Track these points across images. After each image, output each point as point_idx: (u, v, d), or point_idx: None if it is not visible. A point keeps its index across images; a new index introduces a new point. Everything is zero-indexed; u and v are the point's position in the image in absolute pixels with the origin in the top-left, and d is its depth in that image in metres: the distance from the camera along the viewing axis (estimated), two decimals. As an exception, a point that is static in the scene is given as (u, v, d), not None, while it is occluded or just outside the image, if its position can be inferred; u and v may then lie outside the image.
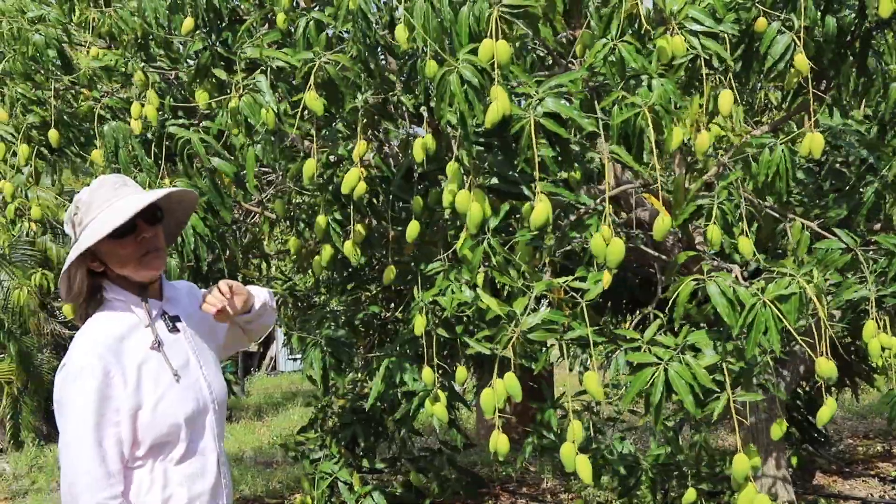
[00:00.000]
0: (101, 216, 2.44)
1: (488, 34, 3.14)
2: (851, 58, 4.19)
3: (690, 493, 4.61)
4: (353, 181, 3.82)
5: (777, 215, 4.07)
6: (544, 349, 3.59)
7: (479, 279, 3.57)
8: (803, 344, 3.26)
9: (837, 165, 5.29)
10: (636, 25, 3.33)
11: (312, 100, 3.62)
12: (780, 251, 4.89)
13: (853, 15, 3.99)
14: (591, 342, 3.36)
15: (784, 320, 3.17)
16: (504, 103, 3.09)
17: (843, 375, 6.97)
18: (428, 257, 4.25)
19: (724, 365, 3.34)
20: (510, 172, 3.59)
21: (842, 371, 6.85)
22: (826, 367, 3.34)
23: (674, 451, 5.46)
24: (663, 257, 4.46)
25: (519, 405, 9.62)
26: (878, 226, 4.91)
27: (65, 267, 2.45)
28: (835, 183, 5.09)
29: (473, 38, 3.29)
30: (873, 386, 7.57)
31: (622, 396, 3.42)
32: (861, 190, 4.59)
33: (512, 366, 3.37)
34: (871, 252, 3.92)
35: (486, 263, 3.57)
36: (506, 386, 3.35)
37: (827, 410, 3.46)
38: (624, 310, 6.99)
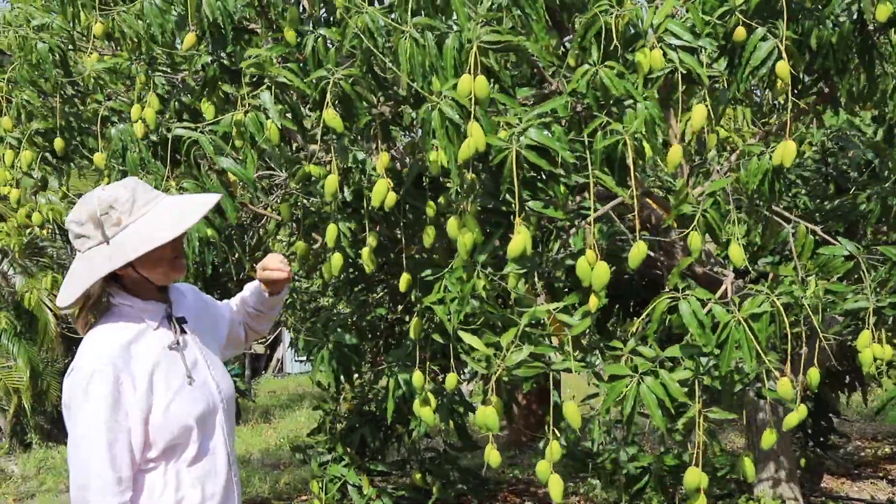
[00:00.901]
0: (151, 217, 2.41)
1: (468, 69, 3.13)
2: (853, 62, 4.18)
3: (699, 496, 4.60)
4: (382, 193, 3.77)
5: (780, 220, 4.07)
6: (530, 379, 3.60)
7: (481, 285, 3.57)
8: (769, 364, 3.25)
9: (844, 167, 5.28)
10: (609, 43, 3.33)
11: (331, 118, 3.60)
12: (787, 253, 4.89)
13: (848, 22, 3.98)
14: (575, 370, 3.37)
15: (755, 340, 3.17)
16: (478, 139, 3.09)
17: (852, 378, 6.96)
18: (431, 262, 4.25)
19: (696, 379, 3.34)
20: (499, 198, 3.58)
21: (851, 373, 6.84)
22: (785, 388, 3.35)
23: (681, 453, 5.46)
24: (667, 261, 4.47)
25: (528, 407, 9.67)
26: (885, 227, 4.90)
27: (104, 269, 2.37)
28: (840, 185, 5.08)
29: (458, 70, 3.30)
30: (881, 386, 7.55)
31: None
32: (867, 195, 4.57)
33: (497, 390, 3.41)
34: (874, 260, 3.92)
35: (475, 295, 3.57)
36: (484, 418, 3.39)
37: (795, 416, 3.45)
38: (631, 312, 6.99)
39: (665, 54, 3.30)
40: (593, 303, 3.35)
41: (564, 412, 3.34)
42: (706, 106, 3.38)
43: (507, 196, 3.42)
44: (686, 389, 3.31)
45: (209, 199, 2.52)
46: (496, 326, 3.54)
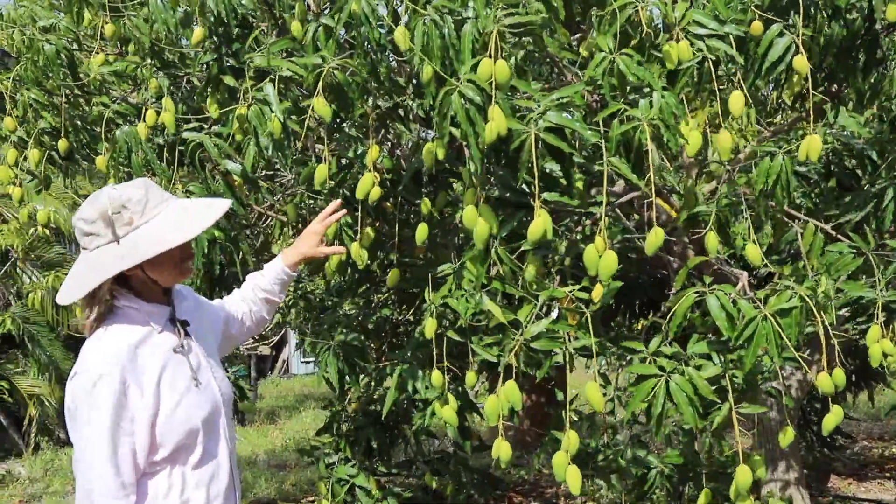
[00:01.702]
0: (162, 219, 2.41)
1: (488, 53, 3.10)
2: (861, 61, 4.17)
3: (706, 494, 4.58)
4: (367, 186, 3.79)
5: (788, 220, 4.05)
6: (548, 356, 3.55)
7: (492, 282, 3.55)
8: (801, 360, 3.23)
9: (851, 166, 5.25)
10: (639, 33, 3.30)
11: (321, 105, 3.59)
12: (794, 252, 4.87)
13: (860, 19, 3.96)
14: (595, 353, 3.33)
15: (783, 335, 3.15)
16: (501, 123, 3.06)
17: (858, 378, 6.95)
18: (440, 260, 4.24)
19: (726, 376, 3.31)
20: (515, 185, 3.56)
21: (857, 373, 6.83)
22: (826, 382, 3.32)
23: (688, 453, 5.43)
24: (676, 261, 4.45)
25: (533, 408, 9.66)
26: (893, 227, 4.88)
27: (114, 268, 2.36)
28: (846, 185, 5.05)
29: (477, 55, 3.26)
30: (889, 386, 7.54)
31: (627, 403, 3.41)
32: (876, 191, 4.53)
33: (517, 373, 3.36)
34: (884, 257, 3.89)
35: (493, 272, 3.54)
36: (506, 395, 3.32)
37: (832, 418, 3.43)
38: (638, 312, 6.98)
39: (692, 44, 3.27)
40: (597, 292, 3.33)
41: (586, 393, 3.31)
42: (742, 92, 3.35)
43: (524, 186, 3.40)
44: (714, 387, 3.28)
45: (219, 204, 2.53)
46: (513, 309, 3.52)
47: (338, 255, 3.65)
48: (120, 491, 2.29)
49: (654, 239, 3.16)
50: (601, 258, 3.15)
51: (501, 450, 3.39)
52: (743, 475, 3.33)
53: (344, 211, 3.12)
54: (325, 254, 3.08)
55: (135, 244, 2.36)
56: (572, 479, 3.24)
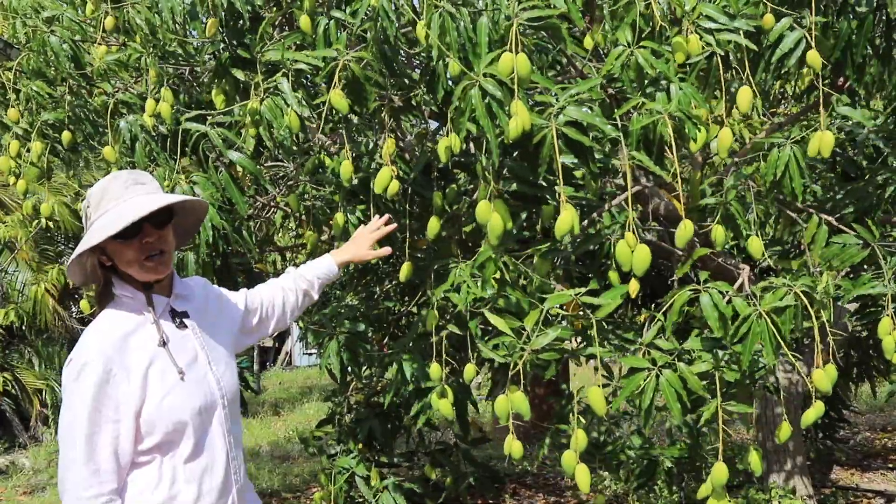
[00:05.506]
0: (108, 215, 2.43)
1: (508, 47, 3.06)
2: (873, 53, 4.15)
3: (705, 488, 4.58)
4: (385, 180, 3.74)
5: (792, 213, 4.04)
6: (555, 363, 3.54)
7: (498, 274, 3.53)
8: (792, 359, 3.22)
9: (854, 155, 5.24)
10: (651, 25, 3.29)
11: (338, 98, 3.57)
12: (798, 243, 4.86)
13: (871, 13, 3.95)
14: (599, 358, 3.32)
15: (777, 334, 3.14)
16: (525, 118, 3.02)
17: (860, 369, 6.94)
18: (443, 253, 4.23)
19: (716, 373, 3.30)
20: (531, 178, 3.53)
21: (859, 365, 6.82)
22: (822, 381, 3.31)
23: (691, 445, 5.44)
24: (679, 251, 4.44)
25: (536, 399, 9.66)
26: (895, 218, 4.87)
27: (73, 256, 2.45)
28: (850, 174, 5.04)
29: (492, 48, 3.23)
30: (888, 380, 7.52)
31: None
32: (878, 182, 4.52)
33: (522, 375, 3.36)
34: (890, 248, 3.88)
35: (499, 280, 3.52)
36: (513, 403, 3.32)
37: (812, 412, 3.42)
38: (640, 303, 6.97)
39: (701, 38, 3.25)
40: (634, 287, 3.31)
41: (589, 397, 3.30)
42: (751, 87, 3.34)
43: (540, 180, 3.37)
44: (705, 383, 3.27)
45: (159, 199, 2.46)
46: (517, 312, 3.50)
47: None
48: (92, 478, 2.29)
49: (684, 232, 3.16)
50: (633, 253, 3.15)
51: (513, 447, 3.39)
52: (720, 472, 3.33)
53: (394, 226, 3.21)
54: (373, 257, 3.20)
55: (86, 239, 2.44)
56: (581, 477, 3.25)
